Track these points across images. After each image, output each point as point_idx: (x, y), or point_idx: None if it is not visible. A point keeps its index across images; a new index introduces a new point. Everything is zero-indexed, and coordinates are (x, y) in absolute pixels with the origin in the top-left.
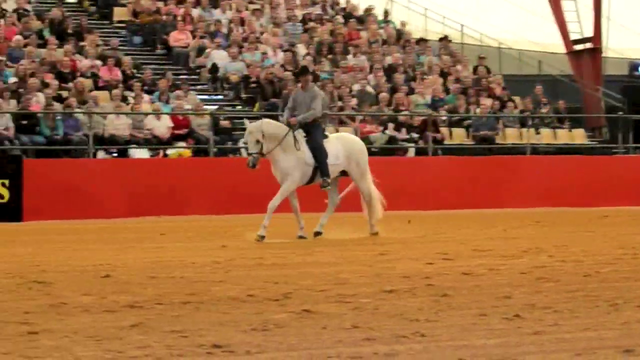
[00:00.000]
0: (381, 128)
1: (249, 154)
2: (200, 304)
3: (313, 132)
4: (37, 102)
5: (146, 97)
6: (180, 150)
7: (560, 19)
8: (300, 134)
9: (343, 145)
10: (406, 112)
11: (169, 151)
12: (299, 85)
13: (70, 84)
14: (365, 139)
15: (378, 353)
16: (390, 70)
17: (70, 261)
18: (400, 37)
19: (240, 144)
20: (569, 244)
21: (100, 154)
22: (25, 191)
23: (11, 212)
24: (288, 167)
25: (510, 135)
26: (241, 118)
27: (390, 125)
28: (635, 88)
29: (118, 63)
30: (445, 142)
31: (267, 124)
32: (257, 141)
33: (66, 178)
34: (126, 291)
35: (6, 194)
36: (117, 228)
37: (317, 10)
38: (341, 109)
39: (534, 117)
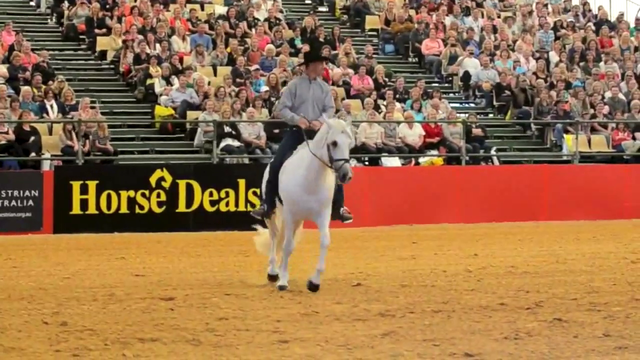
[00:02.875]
0: (633, 135)
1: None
2: (452, 312)
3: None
4: None
5: (398, 105)
6: (433, 159)
7: None
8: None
9: None
10: None
11: (421, 159)
12: (304, 73)
13: None
14: (617, 146)
15: None
16: None
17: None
18: None
19: (492, 152)
20: None
21: (352, 162)
22: None
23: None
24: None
25: None
26: (494, 126)
27: None
28: None
29: (370, 72)
30: None
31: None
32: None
33: None
34: (378, 299)
35: (258, 203)
36: (369, 236)
37: (569, 17)
38: (593, 116)
39: None
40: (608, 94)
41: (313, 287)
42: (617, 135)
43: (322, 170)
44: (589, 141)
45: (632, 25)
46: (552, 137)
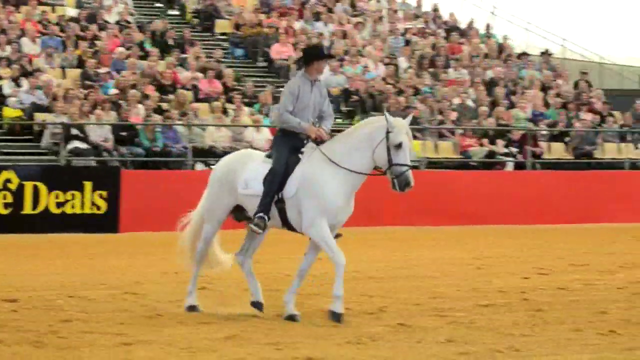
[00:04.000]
0: (481, 142)
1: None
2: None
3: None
4: (137, 113)
5: (246, 109)
6: None
7: None
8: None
9: None
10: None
11: None
12: (303, 73)
13: (171, 96)
14: (465, 152)
15: None
16: (491, 84)
17: (165, 273)
18: (501, 51)
19: None
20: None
21: (199, 166)
22: (123, 202)
23: (108, 223)
24: None
25: (610, 150)
26: (340, 131)
27: (489, 139)
28: None
29: (219, 75)
30: (544, 156)
31: None
32: None
33: (164, 189)
34: (222, 303)
35: (104, 205)
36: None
37: (419, 23)
38: (441, 122)
39: (634, 132)
40: (456, 100)
41: (337, 317)
42: (465, 141)
43: (359, 182)
44: (437, 147)
45: (482, 31)
46: None
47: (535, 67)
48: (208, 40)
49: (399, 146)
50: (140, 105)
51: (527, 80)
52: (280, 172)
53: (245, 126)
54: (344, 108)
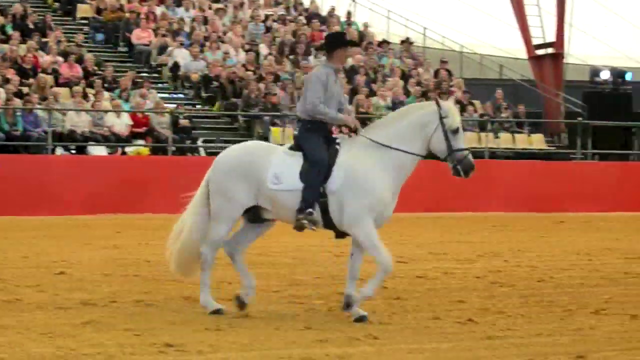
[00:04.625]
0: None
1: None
2: (154, 302)
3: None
4: None
5: (107, 94)
6: (139, 148)
7: (522, 24)
8: None
9: None
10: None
11: (128, 149)
12: (330, 63)
13: (32, 80)
14: None
15: (330, 355)
16: (351, 72)
17: (25, 258)
18: (362, 39)
19: (199, 142)
20: (524, 249)
21: (59, 151)
22: None
23: None
24: None
25: (469, 139)
26: (201, 117)
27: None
28: (596, 94)
29: (80, 60)
30: None
31: None
32: None
33: (24, 174)
34: (80, 288)
35: None
36: (74, 225)
37: (280, 10)
38: None
39: (494, 121)
40: None
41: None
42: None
43: (412, 167)
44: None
45: (343, 19)
46: (260, 129)
47: (395, 55)
48: (69, 24)
49: (456, 131)
50: (0, 89)
51: (388, 68)
52: (325, 163)
53: (106, 111)
54: (204, 94)
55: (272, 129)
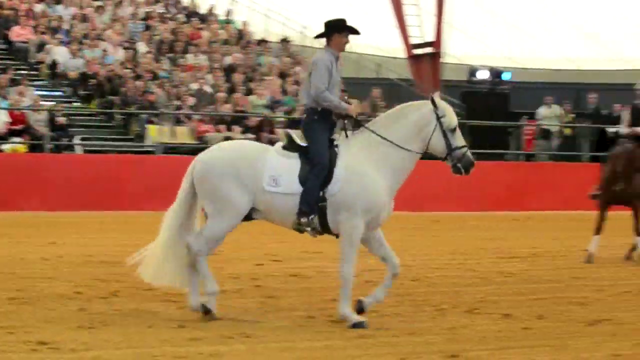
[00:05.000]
0: (217, 128)
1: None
2: (28, 300)
3: None
4: None
5: None
6: (16, 146)
7: (401, 23)
8: None
9: None
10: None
11: (4, 146)
12: (331, 48)
13: None
14: (201, 138)
15: (203, 353)
16: (229, 70)
17: None
18: (241, 37)
19: (76, 140)
20: (398, 248)
21: None
22: None
23: None
24: None
25: None
26: (79, 115)
27: (226, 125)
28: (474, 94)
29: None
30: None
31: None
32: None
33: None
34: None
35: None
36: None
37: (159, 8)
38: (179, 107)
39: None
40: (194, 86)
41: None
42: (202, 127)
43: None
44: (174, 132)
45: (222, 17)
46: (137, 127)
47: (274, 54)
48: None
49: (454, 129)
50: None
51: (266, 67)
52: (326, 166)
53: None
54: (82, 92)
55: (149, 126)
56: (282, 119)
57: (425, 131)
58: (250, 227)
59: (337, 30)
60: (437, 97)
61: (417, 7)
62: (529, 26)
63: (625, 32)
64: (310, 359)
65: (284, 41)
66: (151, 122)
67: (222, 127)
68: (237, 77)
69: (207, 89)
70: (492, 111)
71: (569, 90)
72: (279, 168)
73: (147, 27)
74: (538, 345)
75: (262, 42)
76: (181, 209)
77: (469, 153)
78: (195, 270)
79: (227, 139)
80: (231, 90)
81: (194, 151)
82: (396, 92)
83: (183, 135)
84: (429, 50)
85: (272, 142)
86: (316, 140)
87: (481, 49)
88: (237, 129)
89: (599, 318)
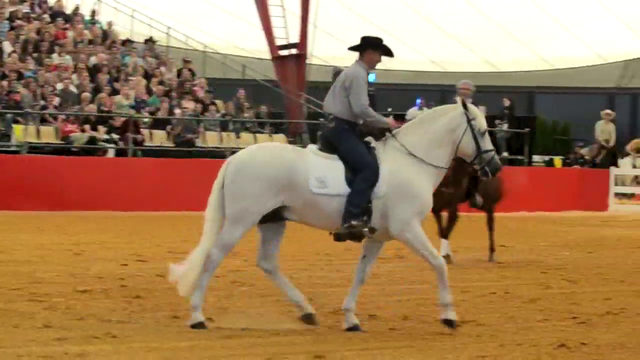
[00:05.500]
0: (82, 128)
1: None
2: None
3: None
4: None
5: None
6: None
7: (266, 24)
8: None
9: None
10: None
11: None
12: (363, 63)
13: None
14: (66, 138)
15: (69, 353)
16: (94, 70)
17: None
18: (106, 38)
19: None
20: None
21: None
22: None
23: None
24: None
25: (211, 139)
26: None
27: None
28: None
29: None
30: (146, 143)
31: None
32: None
33: None
34: None
35: None
36: None
37: (25, 8)
38: (44, 107)
39: (236, 121)
40: (59, 86)
41: (452, 324)
42: (67, 127)
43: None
44: (38, 132)
45: (87, 17)
46: (2, 126)
47: (139, 54)
48: None
49: (484, 133)
50: None
51: (131, 67)
52: (375, 168)
53: None
54: None
55: (15, 126)
56: (147, 119)
57: (455, 134)
58: (116, 227)
59: (371, 47)
60: (467, 100)
61: (282, 9)
62: (393, 28)
63: (489, 34)
64: (175, 359)
65: (149, 41)
66: (16, 122)
67: (87, 127)
68: (102, 77)
69: (73, 89)
70: None
71: (434, 92)
72: (324, 169)
73: (12, 27)
74: (404, 346)
75: (127, 42)
76: (218, 213)
77: (496, 157)
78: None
79: (92, 139)
80: (96, 91)
81: (59, 151)
82: (261, 93)
83: (48, 135)
84: (293, 51)
85: (136, 142)
86: (355, 146)
87: (346, 50)
88: (102, 129)
89: (464, 319)
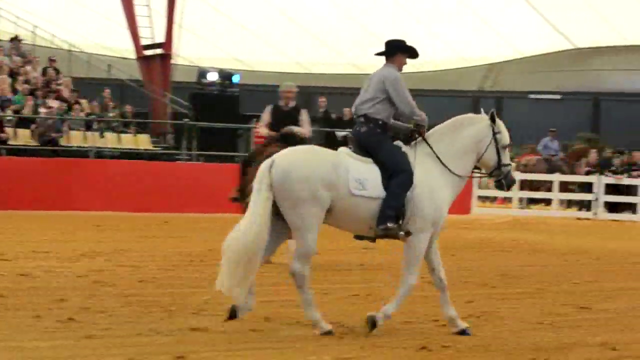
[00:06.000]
0: None
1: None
2: None
3: None
4: None
5: None
6: None
7: (132, 23)
8: None
9: None
10: None
11: None
12: (395, 66)
13: None
14: None
15: None
16: None
17: None
18: None
19: None
20: (127, 248)
21: None
22: None
23: None
24: None
25: (76, 138)
26: None
27: None
28: (203, 95)
29: None
30: (10, 142)
31: None
32: None
33: None
34: None
35: None
36: None
37: None
38: None
39: (100, 121)
40: None
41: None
42: None
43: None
44: None
45: None
46: None
47: (4, 52)
48: None
49: (506, 147)
50: None
51: None
52: (412, 173)
53: None
54: None
55: None
56: (11, 118)
57: (480, 145)
58: None
59: (401, 50)
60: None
61: (148, 8)
62: (259, 29)
63: (355, 36)
64: (37, 359)
65: (15, 40)
66: None
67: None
68: None
69: None
70: (222, 113)
71: (299, 93)
72: (362, 172)
73: None
74: (266, 347)
75: None
76: (268, 218)
77: (512, 171)
78: None
79: None
80: None
81: None
82: (126, 93)
83: None
84: (159, 51)
85: (0, 141)
86: (393, 150)
87: (212, 51)
88: None
89: (327, 321)
